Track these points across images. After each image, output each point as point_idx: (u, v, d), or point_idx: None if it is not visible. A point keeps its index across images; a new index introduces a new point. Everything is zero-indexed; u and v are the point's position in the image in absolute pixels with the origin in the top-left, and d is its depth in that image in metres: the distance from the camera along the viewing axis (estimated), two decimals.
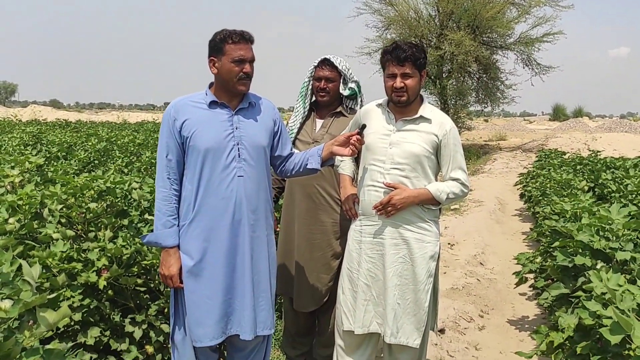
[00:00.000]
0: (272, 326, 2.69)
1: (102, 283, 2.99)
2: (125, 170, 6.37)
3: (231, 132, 2.56)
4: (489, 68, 25.30)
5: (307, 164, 2.75)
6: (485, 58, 23.98)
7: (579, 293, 2.76)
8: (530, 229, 7.85)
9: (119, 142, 9.58)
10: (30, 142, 9.84)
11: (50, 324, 1.82)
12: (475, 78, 26.49)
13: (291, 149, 2.84)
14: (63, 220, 3.39)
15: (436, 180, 2.79)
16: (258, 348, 2.74)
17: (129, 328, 3.12)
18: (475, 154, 22.43)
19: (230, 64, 2.51)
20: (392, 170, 2.70)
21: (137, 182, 3.86)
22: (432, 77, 25.27)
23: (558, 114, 61.11)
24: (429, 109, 2.78)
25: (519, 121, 63.34)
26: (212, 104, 2.59)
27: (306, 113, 3.26)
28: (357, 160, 3.01)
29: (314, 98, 3.27)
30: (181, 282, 2.58)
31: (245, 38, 2.54)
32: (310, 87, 3.23)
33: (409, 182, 2.70)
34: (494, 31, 24.37)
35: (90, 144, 8.92)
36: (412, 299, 2.69)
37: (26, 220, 3.35)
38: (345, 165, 2.99)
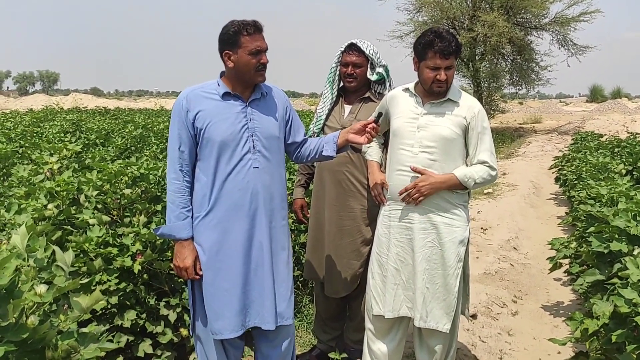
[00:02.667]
0: (292, 316, 2.70)
1: (136, 267, 3.06)
2: (160, 157, 6.47)
3: (245, 123, 2.55)
4: (523, 49, 24.72)
5: (322, 151, 2.75)
6: (520, 39, 23.45)
7: (615, 280, 2.70)
8: (566, 213, 7.70)
9: (154, 128, 9.72)
10: (70, 130, 10.05)
11: (83, 308, 1.87)
12: (509, 60, 25.96)
13: (305, 135, 2.83)
14: (99, 206, 3.47)
15: (465, 164, 2.76)
16: (283, 336, 2.74)
17: (163, 311, 3.19)
18: (509, 137, 22.03)
19: (248, 57, 2.49)
20: (420, 153, 2.68)
21: None
22: (465, 60, 24.86)
23: (596, 95, 59.41)
24: (456, 91, 2.75)
25: (554, 103, 61.99)
26: (225, 95, 2.57)
27: (334, 99, 3.25)
28: (385, 146, 2.99)
29: (341, 84, 3.25)
30: (196, 273, 2.58)
31: (259, 28, 2.51)
32: (337, 72, 3.21)
33: (438, 165, 2.67)
34: (528, 11, 23.78)
35: (127, 130, 9.08)
36: (441, 283, 2.68)
37: (64, 206, 3.44)
38: (372, 151, 2.98)
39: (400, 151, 2.73)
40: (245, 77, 2.54)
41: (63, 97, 50.91)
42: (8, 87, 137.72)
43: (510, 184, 10.19)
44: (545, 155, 14.81)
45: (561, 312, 4.41)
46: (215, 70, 2.69)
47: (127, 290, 3.13)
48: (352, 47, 3.13)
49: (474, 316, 4.06)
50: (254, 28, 2.49)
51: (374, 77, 3.15)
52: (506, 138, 21.45)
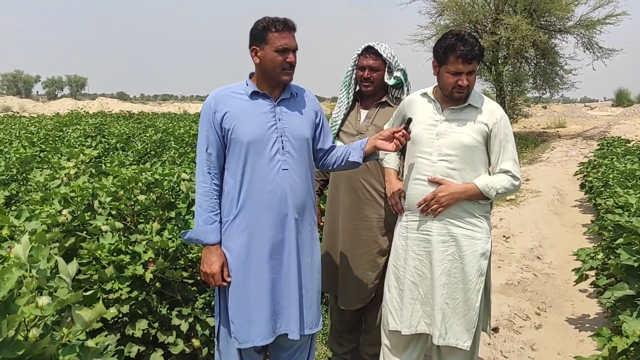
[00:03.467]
0: (318, 324, 2.62)
1: (148, 276, 3.00)
2: (178, 162, 6.44)
3: (274, 123, 2.48)
4: (547, 53, 24.31)
5: (348, 157, 2.65)
6: (543, 42, 23.05)
7: None
8: (592, 221, 7.49)
9: (175, 132, 9.74)
10: (92, 134, 10.12)
11: (86, 322, 1.80)
12: (532, 63, 25.55)
13: (333, 142, 2.75)
14: (114, 212, 3.43)
15: (487, 172, 2.64)
16: (303, 347, 2.66)
17: (175, 321, 3.12)
18: (532, 142, 21.69)
19: (274, 54, 2.42)
20: (439, 162, 2.57)
21: (187, 174, 3.85)
22: (487, 64, 24.57)
23: (621, 99, 58.37)
24: (477, 96, 2.63)
25: (579, 107, 60.99)
26: (254, 95, 2.51)
27: (350, 103, 3.15)
28: (402, 153, 2.89)
29: (358, 88, 3.16)
30: (224, 280, 2.51)
31: (288, 26, 2.44)
32: (354, 76, 3.12)
33: (458, 174, 2.56)
34: (553, 14, 23.39)
35: (147, 135, 9.10)
36: (462, 298, 2.57)
37: (79, 212, 3.40)
38: (389, 159, 2.88)
39: (418, 159, 2.62)
40: (272, 75, 2.47)
41: (90, 102, 51.78)
42: (37, 92, 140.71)
43: (534, 190, 9.98)
44: (570, 161, 14.50)
45: (587, 325, 4.25)
46: (240, 75, 2.63)
47: (140, 298, 3.08)
48: (369, 50, 3.04)
49: (495, 330, 3.93)
50: (283, 25, 2.43)
51: (391, 82, 3.05)
52: (529, 143, 21.10)
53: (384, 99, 3.09)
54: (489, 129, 2.57)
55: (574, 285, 4.38)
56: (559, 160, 15.02)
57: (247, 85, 2.53)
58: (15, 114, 22.99)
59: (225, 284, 2.52)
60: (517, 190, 2.69)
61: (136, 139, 8.62)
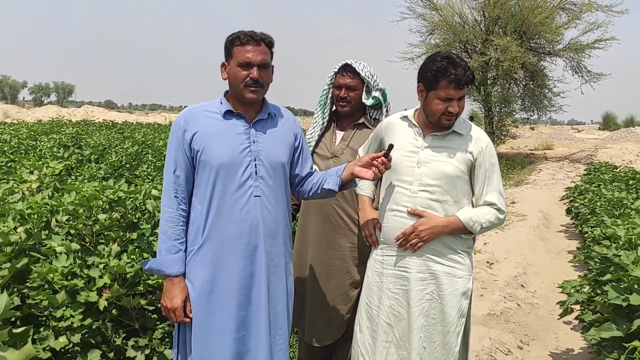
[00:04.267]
0: None
1: (102, 303, 2.78)
2: (151, 176, 6.21)
3: (247, 146, 2.28)
4: (536, 75, 24.48)
5: (323, 184, 2.45)
6: (533, 65, 23.19)
7: (635, 343, 2.38)
8: (577, 248, 7.35)
9: (154, 144, 9.48)
10: (69, 144, 9.85)
11: None
12: (521, 85, 25.72)
13: (311, 168, 2.55)
14: (73, 232, 3.21)
15: (470, 204, 2.45)
16: None
17: (130, 353, 2.90)
18: (519, 163, 21.68)
19: (237, 68, 2.24)
20: (420, 192, 2.38)
21: (159, 190, 3.62)
22: (477, 84, 24.63)
23: (608, 123, 58.96)
24: (462, 122, 2.45)
25: (566, 130, 61.47)
26: (227, 114, 2.31)
27: (325, 124, 2.96)
28: (378, 180, 2.70)
29: (334, 108, 2.97)
30: (186, 316, 2.29)
31: (254, 39, 2.25)
32: (330, 95, 2.93)
33: (440, 206, 2.37)
34: (542, 37, 23.57)
35: (123, 147, 8.85)
36: (440, 341, 2.36)
37: (36, 230, 3.18)
38: (363, 185, 2.67)
39: (397, 189, 2.43)
40: (236, 92, 2.29)
41: (75, 109, 51.26)
42: (24, 98, 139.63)
43: (520, 214, 9.84)
44: (557, 184, 14.43)
45: None
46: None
47: (93, 327, 2.85)
48: (347, 68, 2.85)
49: None
50: (249, 38, 2.24)
51: (369, 102, 2.86)
52: (516, 164, 21.09)
53: (361, 120, 2.90)
54: (473, 157, 2.40)
55: (558, 319, 4.19)
56: (546, 183, 14.96)
57: (221, 103, 2.34)
58: None
59: (187, 320, 2.29)
60: (501, 223, 2.50)
61: (112, 150, 8.36)
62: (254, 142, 2.29)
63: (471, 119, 26.49)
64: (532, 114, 26.43)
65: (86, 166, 6.48)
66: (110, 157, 7.46)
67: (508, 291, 5.50)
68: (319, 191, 2.48)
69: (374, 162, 2.33)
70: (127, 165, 7.40)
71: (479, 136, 2.44)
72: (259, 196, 2.27)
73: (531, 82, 25.20)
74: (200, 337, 2.27)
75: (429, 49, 24.26)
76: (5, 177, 5.29)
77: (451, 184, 2.37)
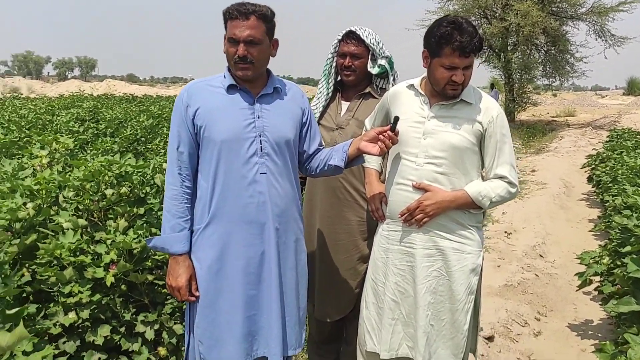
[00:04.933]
0: (301, 345, 2.35)
1: (109, 279, 2.76)
2: (163, 151, 6.18)
3: (252, 121, 2.19)
4: (558, 40, 23.86)
5: (329, 161, 2.36)
6: (554, 29, 22.60)
7: None
8: (598, 217, 7.20)
9: (169, 117, 9.44)
10: (87, 118, 9.85)
11: (2, 347, 1.54)
12: (542, 51, 25.13)
13: (320, 144, 2.45)
14: (82, 207, 3.18)
15: (479, 177, 2.34)
16: None
17: (139, 328, 2.88)
18: (541, 130, 21.29)
19: (227, 44, 2.14)
20: (426, 165, 2.26)
21: None
22: (496, 50, 24.13)
23: (633, 88, 57.70)
24: (471, 91, 2.30)
25: (590, 96, 60.31)
26: (231, 89, 2.22)
27: (330, 94, 2.85)
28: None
29: (338, 77, 2.85)
30: (191, 294, 2.25)
31: (242, 12, 2.11)
32: (334, 64, 2.81)
33: (447, 179, 2.26)
34: (564, 1, 22.89)
35: (139, 120, 8.81)
36: (449, 319, 2.28)
37: (45, 206, 3.16)
38: (370, 158, 2.56)
39: (402, 161, 2.31)
40: (231, 69, 2.20)
41: (97, 83, 51.58)
42: (48, 73, 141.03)
43: (540, 182, 9.66)
44: (578, 151, 14.14)
45: (590, 333, 3.97)
46: None
47: (102, 302, 2.84)
48: (351, 36, 2.72)
49: (490, 338, 3.66)
50: (237, 12, 2.11)
51: (375, 70, 2.73)
52: (537, 132, 20.72)
53: (367, 90, 2.79)
54: (483, 128, 2.26)
55: (576, 290, 4.09)
56: (567, 150, 14.66)
57: (225, 77, 2.24)
58: (19, 95, 22.69)
59: (193, 299, 2.25)
60: (514, 197, 2.38)
61: (127, 124, 8.33)
62: (258, 118, 2.20)
63: (492, 86, 26.08)
64: (554, 80, 25.88)
65: (100, 140, 6.46)
66: (125, 131, 7.43)
67: (526, 261, 5.40)
68: (325, 168, 2.39)
69: (380, 136, 2.23)
70: (142, 139, 7.37)
71: (489, 105, 2.30)
72: (265, 173, 2.20)
73: (553, 48, 24.59)
74: (209, 316, 2.23)
75: (450, 15, 23.70)
76: (20, 152, 5.31)
77: (459, 156, 2.25)
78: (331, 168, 2.37)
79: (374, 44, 2.70)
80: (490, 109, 2.28)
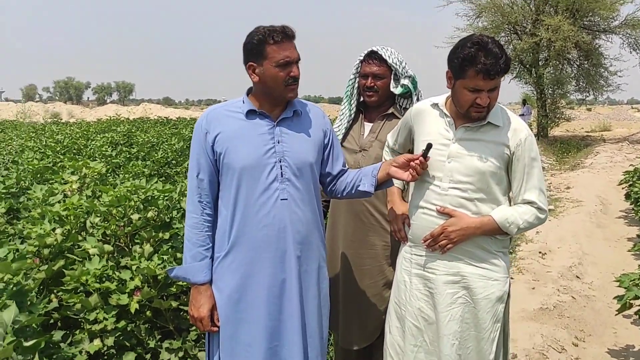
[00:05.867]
0: None
1: (133, 306, 2.76)
2: None
3: (272, 146, 2.16)
4: (591, 54, 23.43)
5: (359, 185, 2.31)
6: (587, 43, 22.21)
7: None
8: (638, 235, 6.94)
9: None
10: (121, 142, 9.99)
11: None
12: (575, 65, 24.71)
13: (344, 165, 2.41)
14: (109, 232, 3.19)
15: (507, 201, 2.26)
16: None
17: (164, 355, 2.87)
18: (575, 146, 20.85)
19: (275, 69, 2.11)
20: (450, 190, 2.18)
21: None
22: (528, 66, 23.82)
23: None
24: (499, 112, 2.21)
25: (626, 109, 58.94)
26: (250, 114, 2.20)
27: (353, 116, 2.80)
28: None
29: (361, 98, 2.81)
30: (214, 324, 2.21)
31: (288, 35, 2.12)
32: (356, 85, 2.77)
33: (473, 205, 2.18)
34: (596, 14, 22.53)
35: (170, 143, 8.90)
36: (474, 347, 2.19)
37: (73, 232, 3.18)
38: None
39: (426, 184, 2.24)
40: (274, 93, 2.17)
41: (134, 107, 52.80)
42: (88, 98, 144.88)
43: (575, 200, 9.40)
44: (615, 167, 13.75)
45: (631, 359, 3.79)
46: None
47: (128, 329, 2.83)
48: (373, 56, 2.68)
49: None
50: (282, 35, 2.11)
51: (398, 91, 2.68)
52: (572, 147, 20.29)
53: (390, 111, 2.74)
54: (510, 152, 2.17)
55: (616, 314, 3.92)
56: (603, 166, 14.28)
57: (244, 102, 2.23)
58: (58, 120, 23.33)
59: (215, 329, 2.21)
60: (542, 223, 2.27)
61: (159, 147, 8.43)
62: (278, 142, 2.18)
63: (524, 102, 25.71)
64: (588, 94, 25.38)
65: (132, 164, 6.54)
66: (156, 154, 7.51)
67: (562, 283, 5.21)
68: (353, 191, 2.35)
69: (412, 163, 2.18)
70: (173, 162, 7.43)
71: (517, 127, 2.20)
72: (286, 199, 2.16)
73: (586, 62, 24.16)
74: (229, 348, 2.19)
75: (477, 33, 23.52)
76: (53, 177, 5.40)
77: (484, 181, 2.17)
78: (359, 192, 2.33)
79: (396, 64, 2.66)
80: (519, 131, 2.19)
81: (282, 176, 2.16)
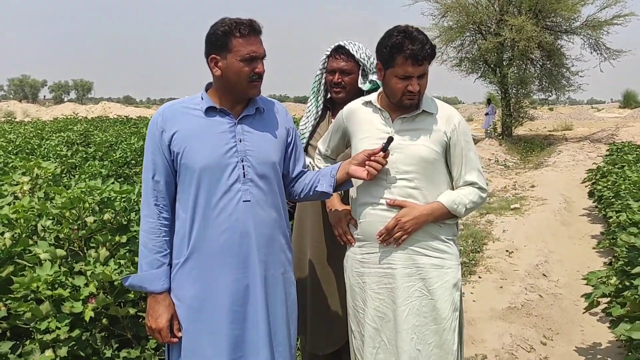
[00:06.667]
0: None
1: (88, 314, 2.60)
2: None
3: (233, 145, 2.05)
4: (553, 54, 23.88)
5: (316, 186, 2.24)
6: (549, 44, 22.63)
7: None
8: (601, 233, 7.03)
9: None
10: (78, 141, 9.70)
11: None
12: (538, 65, 25.12)
13: (304, 167, 2.32)
14: (62, 236, 3.02)
15: (449, 187, 2.29)
16: None
17: None
18: (538, 145, 21.23)
19: (240, 64, 2.00)
20: (398, 181, 2.18)
21: None
22: (492, 66, 24.14)
23: (629, 101, 58.06)
24: (430, 101, 2.26)
25: (586, 109, 60.57)
26: (210, 111, 2.08)
27: (320, 113, 2.71)
28: None
29: (328, 95, 2.72)
30: (173, 335, 2.08)
31: (255, 29, 2.02)
32: (323, 81, 2.67)
33: (420, 193, 2.19)
34: (559, 15, 22.95)
35: (129, 142, 8.65)
36: (436, 342, 2.17)
37: (24, 236, 3.00)
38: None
39: (371, 180, 2.21)
40: (236, 89, 2.05)
41: (93, 106, 51.66)
42: (44, 96, 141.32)
43: (540, 198, 9.50)
44: (577, 166, 14.02)
45: (599, 356, 3.80)
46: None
47: (82, 338, 2.67)
48: (340, 50, 2.59)
49: None
50: (249, 29, 2.00)
51: (366, 87, 2.60)
52: (535, 146, 20.65)
53: None
54: (447, 137, 2.22)
55: (583, 313, 3.91)
56: (566, 164, 14.55)
57: (202, 99, 2.11)
58: (12, 119, 22.57)
59: (175, 340, 2.08)
60: (484, 202, 2.34)
61: (118, 147, 8.17)
62: (240, 141, 2.07)
63: (489, 101, 26.08)
64: (550, 94, 25.87)
65: (88, 164, 6.30)
66: (114, 154, 7.27)
67: (529, 281, 5.22)
68: (311, 193, 2.27)
69: (371, 159, 2.13)
70: (133, 162, 7.21)
71: (449, 113, 2.26)
72: (249, 200, 2.05)
73: (548, 62, 24.60)
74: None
75: (442, 32, 23.80)
76: (2, 179, 5.16)
77: (429, 168, 2.20)
78: (317, 194, 2.25)
79: (364, 59, 2.57)
80: (452, 117, 2.25)
81: (244, 177, 2.05)
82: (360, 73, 2.61)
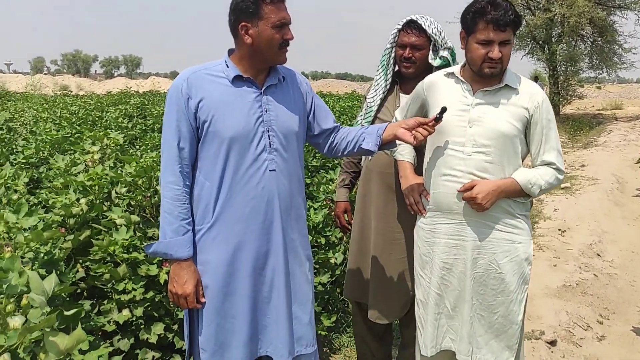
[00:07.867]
0: (314, 342, 2.23)
1: (162, 277, 2.73)
2: None
3: (260, 115, 2.06)
4: (605, 30, 23.02)
5: (361, 144, 2.25)
6: (601, 19, 21.83)
7: None
8: None
9: None
10: (135, 114, 9.91)
11: (61, 350, 1.49)
12: (588, 42, 24.32)
13: (334, 121, 2.33)
14: (134, 203, 3.16)
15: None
16: None
17: None
18: (587, 124, 20.63)
19: (271, 30, 2.00)
20: (474, 154, 2.17)
21: None
22: (540, 42, 23.47)
23: None
24: (514, 75, 2.22)
25: (636, 88, 58.27)
26: (237, 80, 2.08)
27: (388, 86, 2.71)
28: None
29: (397, 68, 2.72)
30: (198, 301, 2.11)
31: None
32: (393, 55, 2.67)
33: (495, 168, 2.18)
34: None
35: None
36: (502, 312, 2.21)
37: (97, 202, 3.14)
38: (404, 150, 2.49)
39: (447, 151, 2.22)
40: (266, 56, 2.06)
41: (142, 81, 52.56)
42: (96, 71, 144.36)
43: (590, 178, 9.31)
44: (629, 145, 13.61)
45: None
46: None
47: (156, 300, 2.81)
48: (412, 25, 2.58)
49: (552, 343, 3.49)
50: None
51: (436, 62, 2.58)
52: (584, 125, 20.08)
53: None
54: (529, 114, 2.18)
55: None
56: (617, 144, 14.12)
57: (228, 66, 2.10)
58: (69, 92, 23.16)
59: (199, 306, 2.12)
60: (560, 184, 2.31)
61: None
62: (266, 112, 2.09)
63: (535, 79, 25.40)
64: (601, 72, 25.04)
65: (148, 136, 6.48)
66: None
67: (583, 261, 5.17)
68: (355, 149, 2.28)
69: (422, 126, 2.14)
70: None
71: (533, 91, 2.21)
72: (274, 170, 2.09)
73: (599, 39, 23.77)
74: (214, 321, 2.11)
75: None
76: (72, 148, 5.36)
77: (507, 144, 2.17)
78: (361, 150, 2.28)
79: (436, 34, 2.56)
80: (536, 94, 2.21)
81: (270, 146, 2.08)
82: (431, 48, 2.60)
